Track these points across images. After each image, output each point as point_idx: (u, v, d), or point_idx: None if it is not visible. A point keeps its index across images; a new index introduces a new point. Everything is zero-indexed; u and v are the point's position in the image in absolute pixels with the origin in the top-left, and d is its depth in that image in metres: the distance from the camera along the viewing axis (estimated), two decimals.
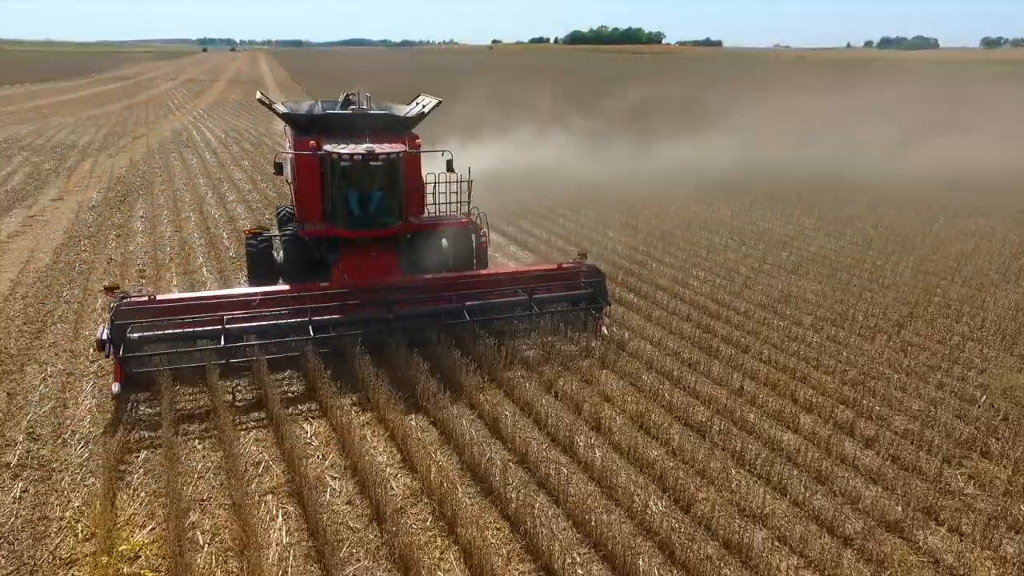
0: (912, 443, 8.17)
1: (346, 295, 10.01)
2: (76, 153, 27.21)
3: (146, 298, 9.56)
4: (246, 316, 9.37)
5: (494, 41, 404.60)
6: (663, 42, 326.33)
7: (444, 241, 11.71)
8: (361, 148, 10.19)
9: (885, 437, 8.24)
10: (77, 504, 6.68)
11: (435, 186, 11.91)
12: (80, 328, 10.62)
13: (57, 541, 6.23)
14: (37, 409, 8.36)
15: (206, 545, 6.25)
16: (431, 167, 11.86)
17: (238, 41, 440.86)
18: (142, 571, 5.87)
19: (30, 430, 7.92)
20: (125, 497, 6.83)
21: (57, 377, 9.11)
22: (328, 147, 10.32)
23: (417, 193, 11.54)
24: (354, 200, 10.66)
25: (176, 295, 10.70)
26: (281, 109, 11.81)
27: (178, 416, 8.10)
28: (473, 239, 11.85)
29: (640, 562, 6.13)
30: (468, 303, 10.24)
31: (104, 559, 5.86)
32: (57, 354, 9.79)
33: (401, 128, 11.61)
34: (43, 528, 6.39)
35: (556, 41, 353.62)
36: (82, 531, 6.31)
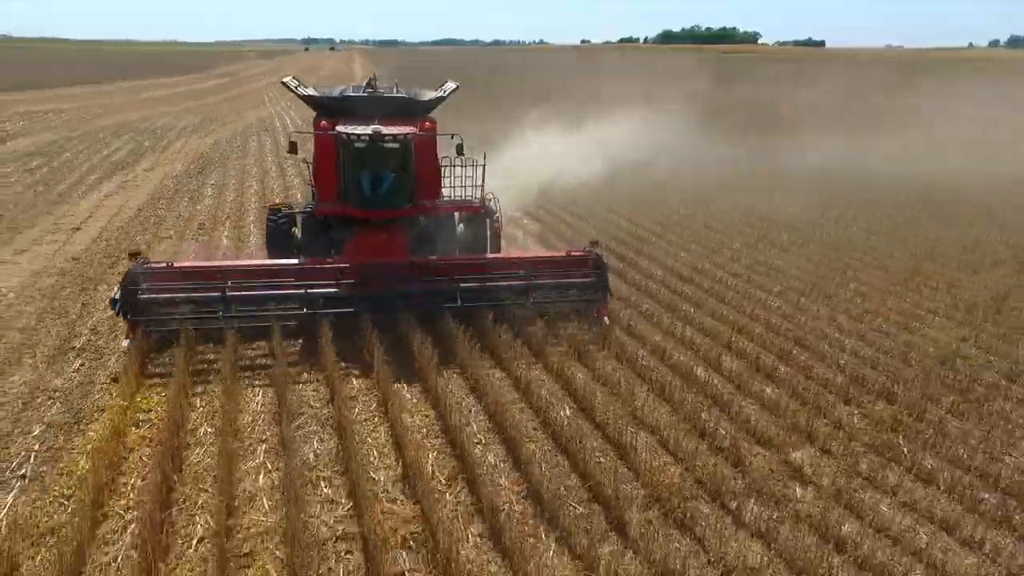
0: (821, 386, 8.98)
1: (344, 272, 10.20)
2: (173, 134, 30.94)
3: (164, 265, 10.08)
4: (249, 286, 9.89)
5: (583, 41, 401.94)
6: (759, 42, 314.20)
7: (460, 225, 12.03)
8: (368, 129, 10.32)
9: (796, 380, 9.09)
10: (115, 376, 8.73)
11: (450, 169, 11.60)
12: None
13: (97, 397, 8.27)
14: (101, 314, 10.61)
15: (200, 408, 8.13)
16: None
17: (338, 41, 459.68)
18: (151, 418, 7.80)
19: (93, 327, 10.16)
20: (149, 376, 8.82)
21: None
22: (340, 127, 10.50)
23: (431, 176, 11.39)
24: (364, 180, 10.68)
25: (192, 263, 11.03)
26: (303, 92, 11.70)
27: (195, 345, 9.61)
28: (487, 223, 11.92)
29: (531, 445, 7.46)
30: (464, 285, 10.28)
31: (126, 406, 7.84)
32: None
33: (418, 112, 11.60)
34: (89, 388, 8.46)
35: (646, 40, 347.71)
36: (115, 393, 8.30)
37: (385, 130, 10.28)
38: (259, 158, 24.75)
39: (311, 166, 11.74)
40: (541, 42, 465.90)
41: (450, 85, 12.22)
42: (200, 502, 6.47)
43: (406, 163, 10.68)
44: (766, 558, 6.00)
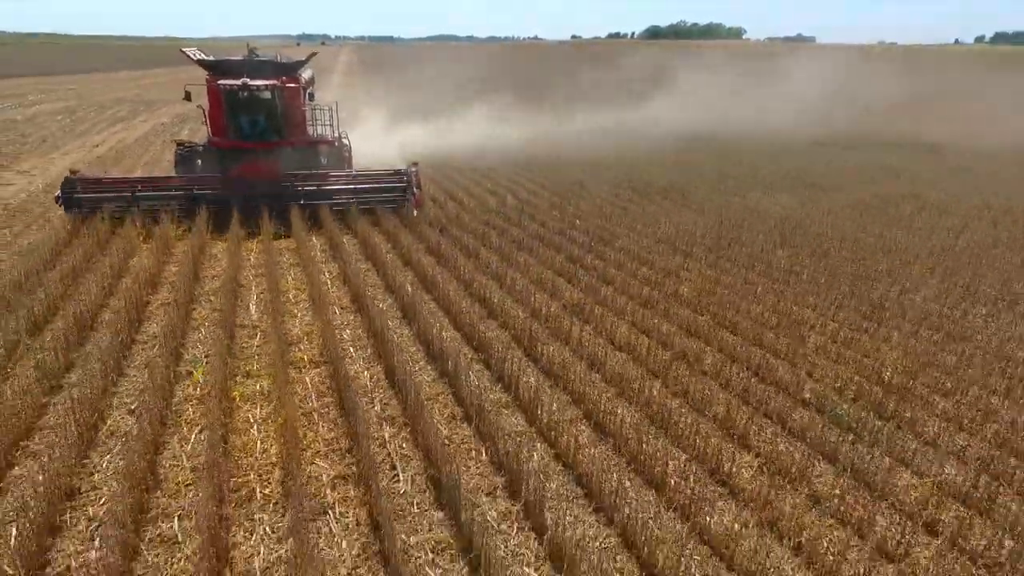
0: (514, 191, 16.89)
1: (218, 180, 13.90)
2: (161, 103, 38.83)
3: (99, 176, 13.91)
4: (154, 189, 13.64)
5: (572, 36, 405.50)
6: (743, 37, 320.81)
7: (322, 157, 15.47)
8: (239, 81, 13.80)
9: (499, 189, 17.01)
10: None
11: (315, 112, 15.80)
12: (131, 165, 20.86)
13: None
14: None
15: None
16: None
17: (332, 37, 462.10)
18: None
19: None
20: None
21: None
22: (220, 81, 13.95)
23: (298, 119, 14.76)
24: (242, 120, 14.27)
25: (119, 176, 14.96)
26: (195, 57, 14.77)
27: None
28: (343, 152, 15.82)
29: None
30: (305, 188, 13.96)
31: None
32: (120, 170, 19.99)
33: (284, 72, 14.81)
34: None
35: (633, 36, 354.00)
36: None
37: (251, 81, 13.89)
38: None
39: (205, 111, 15.01)
40: (536, 38, 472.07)
41: (313, 54, 17.14)
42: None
43: (272, 107, 14.28)
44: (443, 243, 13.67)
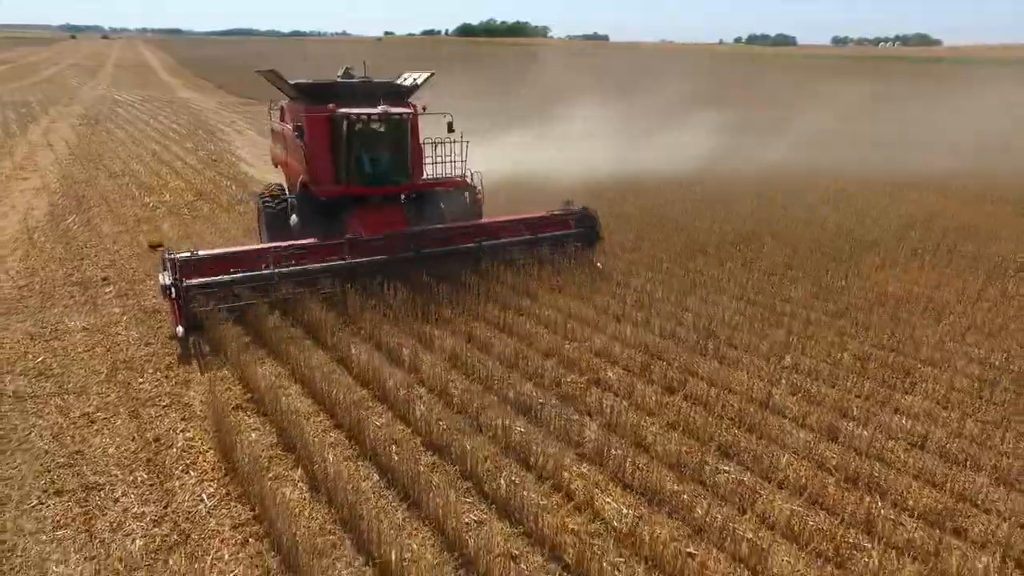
0: None
1: (373, 245, 10.64)
2: (38, 104, 39.44)
3: (188, 254, 9.56)
4: (287, 265, 10.00)
5: (386, 33, 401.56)
6: (548, 35, 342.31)
7: (441, 203, 12.53)
8: (377, 109, 10.81)
9: None
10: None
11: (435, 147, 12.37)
12: (123, 168, 24.87)
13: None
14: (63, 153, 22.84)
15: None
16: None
17: (107, 28, 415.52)
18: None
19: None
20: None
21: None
22: (345, 109, 10.82)
23: (417, 156, 11.99)
24: (364, 159, 11.24)
25: (216, 251, 10.52)
26: (291, 81, 12.05)
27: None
28: (470, 196, 12.71)
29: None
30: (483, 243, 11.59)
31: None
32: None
33: (401, 96, 12.18)
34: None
35: (447, 33, 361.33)
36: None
37: (392, 109, 11.04)
38: (128, 118, 35.66)
39: (303, 151, 11.60)
40: (344, 33, 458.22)
41: (420, 74, 13.12)
42: None
43: (399, 142, 11.39)
44: None
